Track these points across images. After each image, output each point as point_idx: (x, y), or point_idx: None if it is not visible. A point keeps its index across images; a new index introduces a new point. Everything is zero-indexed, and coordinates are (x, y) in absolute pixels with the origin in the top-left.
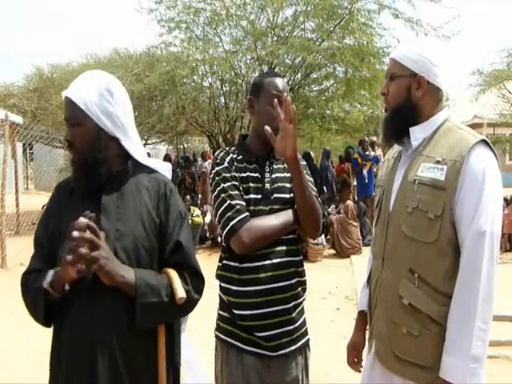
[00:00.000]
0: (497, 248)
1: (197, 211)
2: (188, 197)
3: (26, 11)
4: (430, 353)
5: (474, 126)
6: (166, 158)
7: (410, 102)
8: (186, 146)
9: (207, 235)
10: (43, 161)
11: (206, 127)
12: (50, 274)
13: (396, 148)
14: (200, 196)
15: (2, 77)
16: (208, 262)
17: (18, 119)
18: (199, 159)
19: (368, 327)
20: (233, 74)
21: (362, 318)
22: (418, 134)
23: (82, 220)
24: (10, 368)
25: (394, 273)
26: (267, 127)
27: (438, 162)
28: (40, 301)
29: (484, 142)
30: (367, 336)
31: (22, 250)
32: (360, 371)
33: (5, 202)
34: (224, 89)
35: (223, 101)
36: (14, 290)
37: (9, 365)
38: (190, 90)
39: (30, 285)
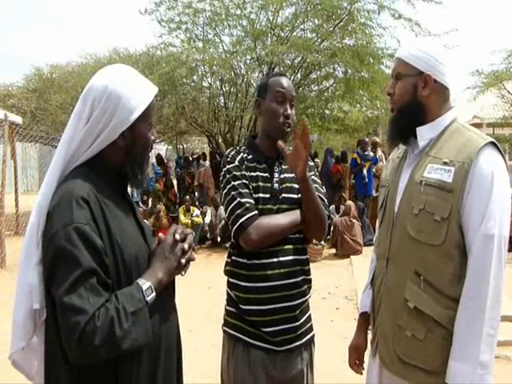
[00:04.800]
0: (504, 251)
1: (196, 211)
2: (187, 197)
3: (25, 11)
4: (435, 357)
5: (474, 127)
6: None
7: (416, 101)
8: (185, 146)
9: (208, 236)
10: (43, 161)
11: (206, 127)
12: (146, 287)
13: (401, 148)
14: (196, 194)
15: (1, 77)
16: (207, 262)
17: (18, 119)
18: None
19: (371, 329)
20: (232, 74)
21: (364, 320)
22: (425, 134)
23: (188, 231)
24: (11, 367)
25: (398, 275)
26: (280, 142)
27: (445, 164)
28: (145, 319)
29: (492, 143)
30: (369, 338)
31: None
32: (362, 373)
33: (4, 202)
34: (224, 89)
35: (223, 101)
36: (14, 290)
37: (9, 365)
38: (190, 90)
39: (117, 316)
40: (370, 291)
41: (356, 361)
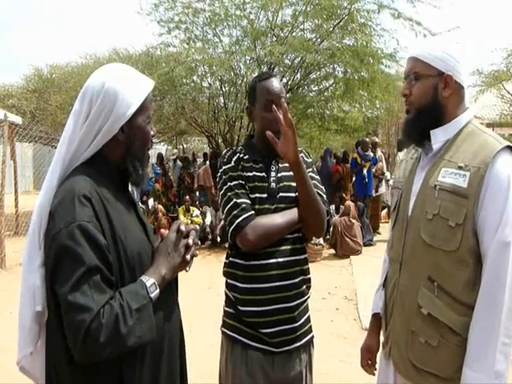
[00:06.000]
0: None
1: (196, 211)
2: (187, 197)
3: (25, 11)
4: (449, 364)
5: None
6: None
7: (436, 103)
8: (185, 146)
9: (209, 236)
10: (42, 161)
11: (206, 127)
12: (149, 284)
13: (413, 148)
14: (197, 194)
15: (1, 77)
16: (207, 262)
17: (17, 119)
18: (199, 160)
19: (383, 331)
20: (232, 74)
21: (376, 321)
22: (439, 137)
23: (191, 227)
24: (10, 368)
25: (412, 279)
26: (269, 132)
27: (460, 168)
28: (150, 316)
29: (509, 148)
30: (382, 339)
31: (21, 251)
32: (374, 374)
33: (4, 202)
34: (223, 89)
35: (222, 101)
36: (14, 290)
37: (9, 365)
38: (190, 91)
39: (122, 313)
40: (382, 292)
41: (368, 361)
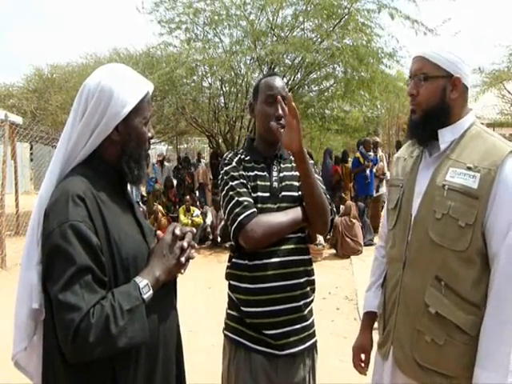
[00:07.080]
0: None
1: (196, 211)
2: (188, 197)
3: (25, 11)
4: (456, 362)
5: None
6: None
7: (444, 104)
8: (186, 146)
9: (209, 236)
10: (43, 161)
11: (206, 127)
12: (142, 285)
13: (413, 146)
14: (197, 193)
15: (1, 77)
16: (207, 262)
17: (18, 119)
18: (203, 160)
19: (380, 331)
20: (232, 74)
21: (369, 319)
22: (447, 136)
23: (186, 229)
24: (10, 368)
25: (418, 279)
26: (273, 123)
27: (469, 169)
28: (142, 317)
29: None
30: (376, 338)
31: (21, 251)
32: (366, 374)
33: (4, 202)
34: (224, 89)
35: (223, 101)
36: (14, 290)
37: (9, 365)
38: (190, 91)
39: (113, 313)
40: (377, 291)
41: (361, 361)
